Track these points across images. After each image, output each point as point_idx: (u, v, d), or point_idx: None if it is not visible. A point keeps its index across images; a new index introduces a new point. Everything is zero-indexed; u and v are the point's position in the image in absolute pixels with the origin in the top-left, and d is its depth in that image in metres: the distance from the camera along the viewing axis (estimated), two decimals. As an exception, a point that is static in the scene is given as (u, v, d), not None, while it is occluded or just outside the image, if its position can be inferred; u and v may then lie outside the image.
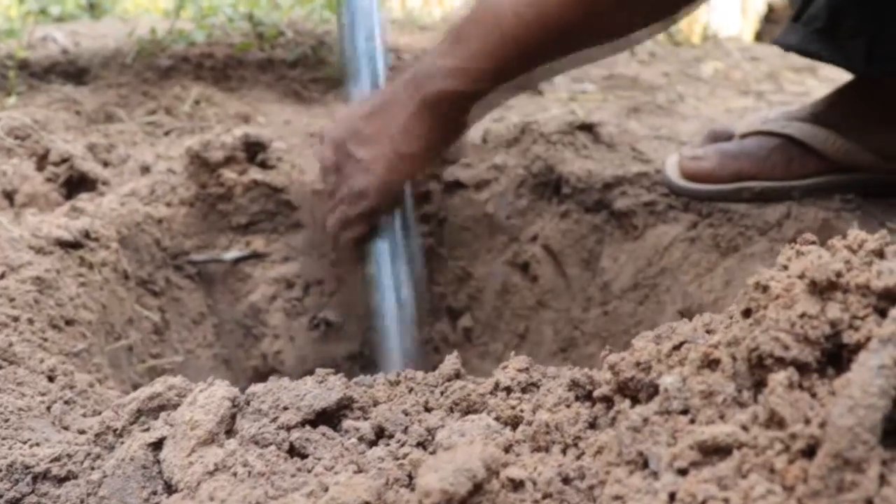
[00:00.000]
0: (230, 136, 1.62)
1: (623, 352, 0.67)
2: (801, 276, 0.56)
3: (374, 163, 1.35)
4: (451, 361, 0.83)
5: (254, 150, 1.64)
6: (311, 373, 1.61)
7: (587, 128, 1.74)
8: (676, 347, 0.62)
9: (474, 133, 1.73)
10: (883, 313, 0.54)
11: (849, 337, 0.54)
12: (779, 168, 1.44)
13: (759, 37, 3.99)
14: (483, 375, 1.61)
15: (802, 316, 0.54)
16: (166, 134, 1.90)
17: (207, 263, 1.61)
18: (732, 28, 3.75)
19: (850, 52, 1.39)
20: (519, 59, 1.24)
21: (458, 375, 0.83)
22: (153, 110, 2.00)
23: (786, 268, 0.58)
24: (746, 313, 0.58)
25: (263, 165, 1.64)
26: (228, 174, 1.61)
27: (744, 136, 1.49)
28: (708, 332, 0.74)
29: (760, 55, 3.04)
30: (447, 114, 1.31)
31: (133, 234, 1.48)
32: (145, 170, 1.65)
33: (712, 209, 1.47)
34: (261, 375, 1.62)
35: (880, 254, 0.58)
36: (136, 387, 1.40)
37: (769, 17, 4.06)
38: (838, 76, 2.33)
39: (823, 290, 0.55)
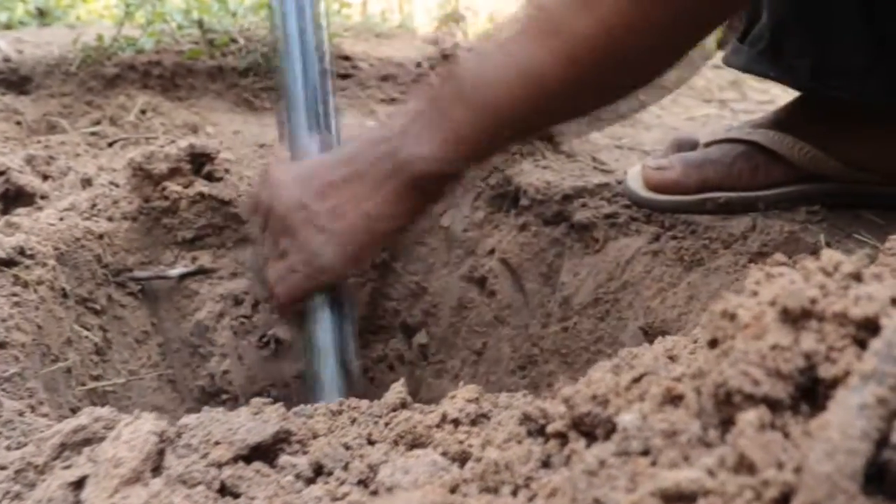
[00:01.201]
0: (175, 147, 1.56)
1: (579, 382, 0.61)
2: (773, 303, 0.50)
3: (343, 237, 1.22)
4: (396, 390, 0.77)
5: (200, 162, 1.58)
6: (260, 393, 1.56)
7: (546, 137, 1.69)
8: (636, 380, 0.56)
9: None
10: (862, 344, 0.48)
11: (825, 370, 0.48)
12: (744, 176, 1.41)
13: (722, 44, 3.96)
14: (439, 393, 1.57)
15: (774, 347, 0.49)
16: (110, 145, 1.83)
17: (151, 280, 1.54)
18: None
19: (796, 70, 1.37)
20: (506, 136, 1.18)
21: (403, 405, 0.77)
22: (97, 120, 1.93)
23: (755, 293, 0.53)
24: (712, 343, 0.53)
25: (210, 178, 1.58)
26: (173, 187, 1.54)
27: (708, 144, 1.45)
28: (671, 358, 0.68)
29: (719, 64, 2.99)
30: (428, 194, 1.23)
31: (72, 250, 1.41)
32: (86, 183, 1.58)
33: (675, 221, 1.42)
34: (208, 396, 1.56)
35: (858, 277, 0.53)
36: (74, 411, 1.34)
37: (732, 26, 4.04)
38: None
39: (797, 318, 0.50)
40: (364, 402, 0.79)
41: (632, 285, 1.41)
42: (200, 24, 2.28)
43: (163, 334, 1.55)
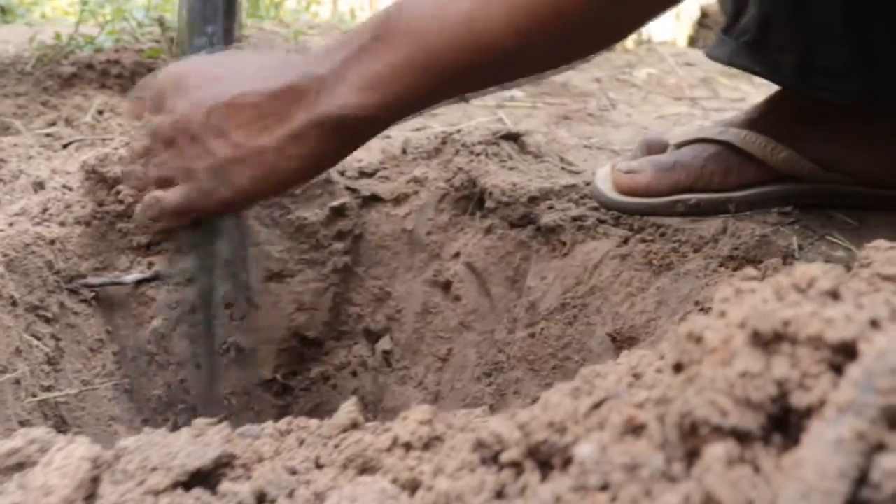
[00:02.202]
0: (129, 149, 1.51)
1: (536, 405, 0.57)
2: (742, 325, 0.46)
3: (233, 167, 1.10)
4: (346, 409, 0.72)
5: (156, 164, 1.53)
6: (220, 403, 1.52)
7: (513, 137, 1.65)
8: (596, 406, 0.52)
9: (394, 143, 1.64)
10: (839, 370, 0.44)
11: (798, 399, 0.44)
12: (716, 177, 1.37)
13: (693, 41, 3.94)
14: (403, 401, 1.53)
15: (744, 375, 0.45)
16: (65, 147, 1.78)
17: (106, 286, 1.49)
18: (666, 33, 3.70)
19: (781, 66, 1.34)
20: (436, 88, 1.05)
21: (354, 425, 0.73)
22: (52, 121, 1.88)
23: (723, 314, 0.48)
24: (677, 368, 0.49)
25: (166, 180, 1.53)
26: (128, 190, 1.49)
27: (679, 145, 1.42)
28: (635, 376, 0.64)
29: (695, 60, 2.97)
30: (339, 139, 1.09)
31: (22, 256, 1.36)
32: (39, 186, 1.53)
33: (644, 224, 1.39)
34: (166, 405, 1.51)
35: (835, 295, 0.49)
36: (24, 424, 1.29)
37: (703, 22, 4.03)
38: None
39: (768, 342, 0.45)
40: (314, 422, 0.75)
41: (600, 290, 1.37)
42: (161, 21, 2.23)
43: (118, 342, 1.50)
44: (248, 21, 2.40)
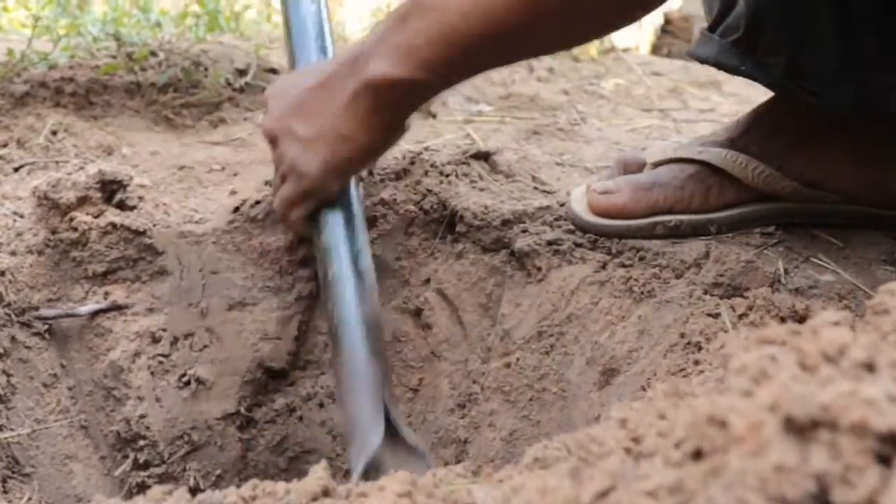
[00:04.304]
0: (83, 174, 1.44)
1: (531, 485, 0.51)
2: (773, 409, 0.40)
3: (314, 141, 1.27)
4: (317, 475, 0.66)
5: (111, 189, 1.46)
6: (181, 437, 1.46)
7: (483, 156, 1.59)
8: (603, 495, 0.46)
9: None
10: (886, 461, 0.39)
11: (842, 496, 0.38)
12: (696, 198, 1.33)
13: (657, 49, 3.90)
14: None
15: (779, 469, 0.39)
16: (16, 170, 1.70)
17: (60, 318, 1.42)
18: (629, 40, 3.65)
19: (770, 67, 1.30)
20: (462, 59, 1.14)
21: (325, 493, 0.66)
22: (3, 143, 1.79)
23: (749, 394, 0.42)
24: (697, 455, 0.43)
25: (122, 206, 1.46)
26: (82, 217, 1.42)
27: (656, 164, 1.37)
28: (634, 440, 0.59)
29: (662, 70, 2.93)
30: (386, 99, 1.20)
31: (-30, 288, 1.30)
32: (-12, 213, 1.46)
33: (622, 247, 1.34)
34: (124, 442, 1.45)
35: (870, 367, 0.43)
36: (-29, 467, 1.23)
37: (666, 29, 3.99)
38: (743, 91, 2.24)
39: (804, 429, 0.40)
40: (281, 487, 0.68)
41: (577, 318, 1.32)
42: (117, 36, 2.15)
43: (73, 377, 1.44)
44: (208, 35, 2.32)
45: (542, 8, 1.06)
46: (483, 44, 1.10)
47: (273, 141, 1.33)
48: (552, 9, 1.06)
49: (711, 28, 1.36)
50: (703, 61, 1.37)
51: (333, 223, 1.34)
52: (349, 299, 1.30)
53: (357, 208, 1.37)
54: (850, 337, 0.46)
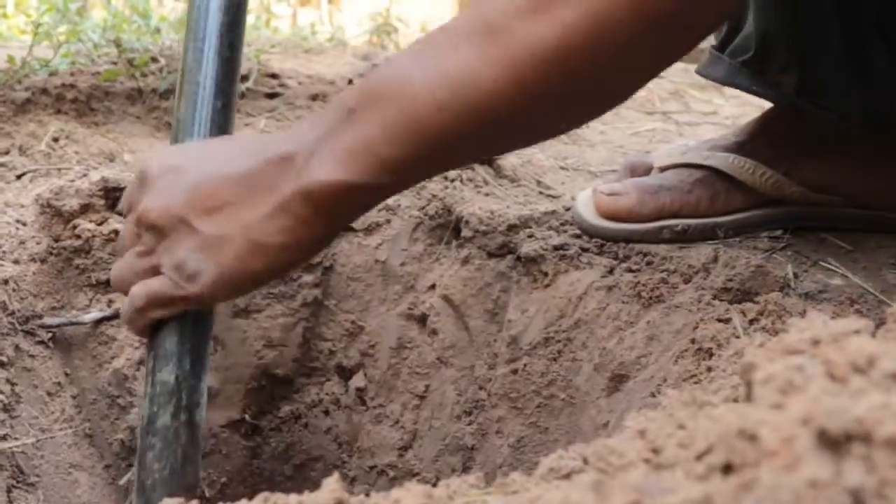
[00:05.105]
0: (86, 181, 1.44)
1: (551, 496, 0.50)
2: (805, 423, 0.40)
3: (216, 244, 1.01)
4: (330, 487, 0.65)
5: (114, 196, 1.45)
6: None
7: (487, 161, 1.58)
8: (627, 509, 0.45)
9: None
10: (923, 475, 0.38)
11: (877, 511, 0.38)
12: (703, 203, 1.33)
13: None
14: (379, 441, 1.47)
15: (813, 484, 0.38)
16: (19, 178, 1.69)
17: (63, 327, 1.42)
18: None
19: (781, 86, 1.30)
20: (431, 156, 0.95)
21: (339, 505, 0.65)
22: (5, 150, 1.79)
23: (779, 406, 0.42)
24: (726, 469, 0.42)
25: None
26: (85, 224, 1.42)
27: (663, 168, 1.37)
28: (654, 451, 0.58)
29: (663, 72, 2.92)
30: (326, 209, 0.98)
31: (-28, 297, 1.30)
32: (-9, 221, 1.46)
33: (629, 252, 1.33)
34: (129, 450, 1.44)
35: (901, 377, 0.43)
36: (-25, 478, 1.22)
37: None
38: (745, 94, 2.24)
39: (838, 442, 0.39)
40: (293, 499, 0.67)
41: (585, 323, 1.31)
42: (118, 42, 2.14)
43: (77, 385, 1.43)
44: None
45: (539, 87, 0.89)
46: (461, 138, 0.93)
47: (153, 226, 1.04)
48: (552, 86, 0.89)
49: (720, 47, 1.37)
50: (713, 81, 1.40)
51: (180, 351, 1.08)
52: (174, 460, 1.05)
53: (209, 327, 1.13)
54: (877, 347, 0.45)
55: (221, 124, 1.14)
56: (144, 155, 1.12)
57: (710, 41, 1.42)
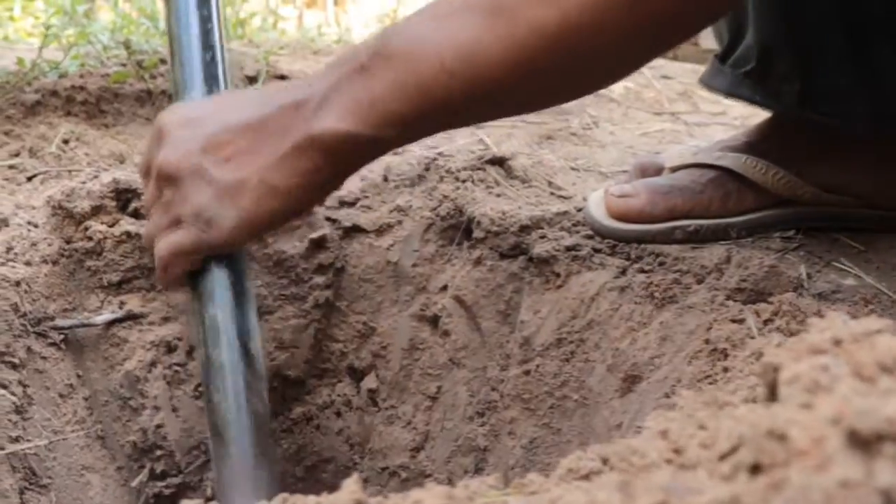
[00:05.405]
0: (97, 182, 1.44)
1: (575, 495, 0.50)
2: (835, 422, 0.40)
3: (234, 189, 1.06)
4: (349, 489, 0.65)
5: (125, 198, 1.45)
6: (198, 447, 1.45)
7: (498, 162, 1.58)
8: (654, 510, 0.45)
9: (374, 170, 1.57)
10: (954, 475, 0.38)
11: (909, 511, 0.38)
12: (714, 203, 1.32)
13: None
14: (391, 442, 1.46)
15: (844, 484, 0.38)
16: (29, 180, 1.70)
17: (75, 329, 1.42)
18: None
19: (784, 95, 1.31)
20: (436, 116, 1.02)
21: (359, 507, 0.65)
22: (16, 152, 1.79)
23: (808, 406, 0.41)
24: (755, 469, 0.42)
25: (137, 215, 1.45)
26: (97, 226, 1.42)
27: (674, 169, 1.36)
28: (676, 452, 0.58)
29: (671, 73, 2.92)
30: (335, 157, 1.04)
31: (-16, 299, 1.30)
32: (2, 223, 1.46)
33: (642, 253, 1.33)
34: (141, 452, 1.44)
35: (931, 377, 0.42)
36: (-11, 480, 1.22)
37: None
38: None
39: (869, 442, 0.39)
40: (312, 500, 0.67)
41: (598, 324, 1.31)
42: (127, 44, 2.14)
43: (89, 387, 1.43)
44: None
45: (538, 63, 0.95)
46: (463, 103, 0.99)
47: (171, 178, 1.09)
48: (550, 63, 0.96)
49: (723, 57, 1.37)
50: (716, 92, 1.41)
51: (220, 289, 1.14)
52: (238, 392, 1.11)
53: (244, 267, 1.18)
54: (902, 345, 0.45)
55: (214, 74, 1.22)
56: (160, 113, 1.18)
57: (714, 46, 1.43)
